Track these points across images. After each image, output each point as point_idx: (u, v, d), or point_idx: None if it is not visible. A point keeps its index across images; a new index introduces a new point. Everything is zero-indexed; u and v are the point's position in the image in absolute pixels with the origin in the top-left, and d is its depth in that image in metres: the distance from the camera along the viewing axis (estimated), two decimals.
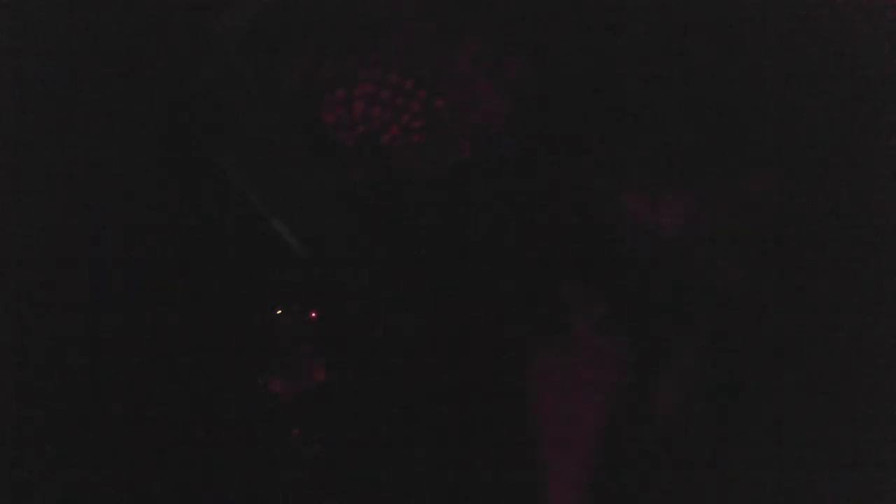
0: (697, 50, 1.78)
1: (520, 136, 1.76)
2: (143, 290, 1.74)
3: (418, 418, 1.72)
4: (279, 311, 1.72)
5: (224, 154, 1.74)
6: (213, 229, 1.76)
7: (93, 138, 1.76)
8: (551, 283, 1.76)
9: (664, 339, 1.76)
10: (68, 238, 1.74)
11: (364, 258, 1.74)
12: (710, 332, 1.75)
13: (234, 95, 1.74)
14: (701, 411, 1.74)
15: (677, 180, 1.78)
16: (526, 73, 1.75)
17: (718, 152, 1.78)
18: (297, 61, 1.74)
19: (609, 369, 1.76)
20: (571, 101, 1.77)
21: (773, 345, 1.74)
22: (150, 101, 1.77)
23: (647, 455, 1.74)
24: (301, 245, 1.72)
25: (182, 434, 1.70)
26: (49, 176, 1.75)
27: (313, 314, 1.71)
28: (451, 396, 1.72)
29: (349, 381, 1.73)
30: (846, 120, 1.75)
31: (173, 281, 1.74)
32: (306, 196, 1.76)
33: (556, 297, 1.76)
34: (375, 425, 1.72)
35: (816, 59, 1.76)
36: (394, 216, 1.74)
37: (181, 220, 1.75)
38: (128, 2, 1.77)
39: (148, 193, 1.76)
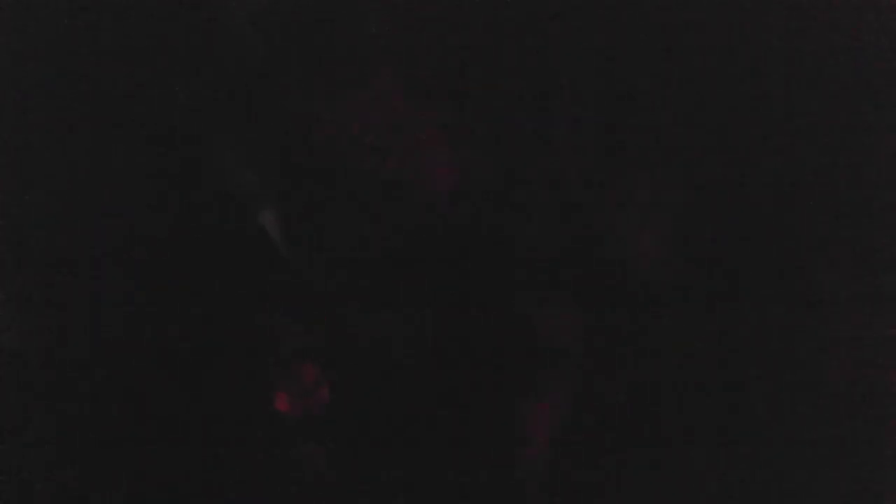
0: (695, 50, 1.78)
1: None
2: (143, 291, 1.74)
3: (425, 431, 1.72)
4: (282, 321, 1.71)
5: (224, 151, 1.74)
6: (213, 231, 1.76)
7: (93, 138, 1.76)
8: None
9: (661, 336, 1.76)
10: (68, 238, 1.74)
11: (361, 261, 1.73)
12: (706, 329, 1.75)
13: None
14: (698, 409, 1.74)
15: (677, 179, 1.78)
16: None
17: (718, 151, 1.78)
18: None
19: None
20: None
21: (771, 343, 1.74)
22: (151, 101, 1.77)
23: (645, 454, 1.74)
24: (287, 246, 1.72)
25: (182, 446, 1.70)
26: (49, 176, 1.75)
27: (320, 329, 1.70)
28: (456, 407, 1.72)
29: (357, 398, 1.72)
30: (846, 120, 1.75)
31: (172, 284, 1.74)
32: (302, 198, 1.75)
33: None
34: (383, 441, 1.72)
35: (816, 58, 1.76)
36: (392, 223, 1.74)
37: (180, 221, 1.75)
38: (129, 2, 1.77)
39: (147, 194, 1.76)
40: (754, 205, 1.76)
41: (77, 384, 1.71)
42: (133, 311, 1.73)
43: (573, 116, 1.77)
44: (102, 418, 1.71)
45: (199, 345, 1.73)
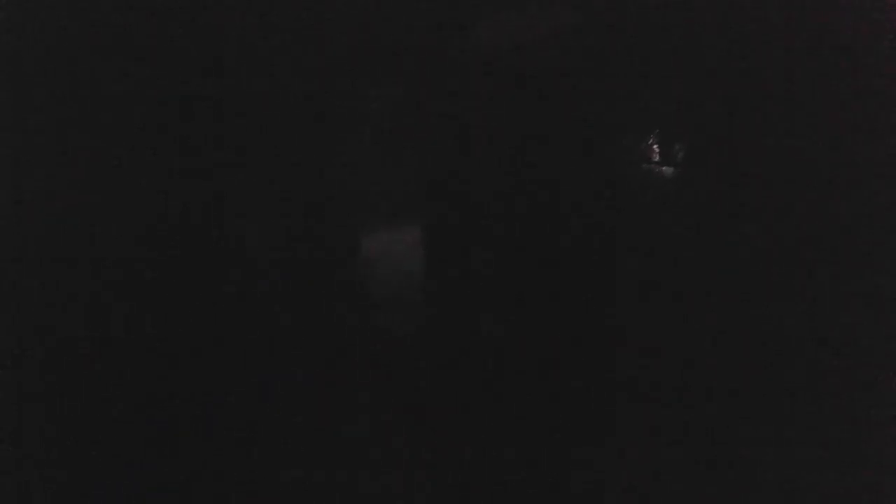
0: (696, 49, 1.78)
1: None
2: (143, 292, 1.74)
3: None
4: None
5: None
6: (213, 231, 1.76)
7: (93, 138, 1.76)
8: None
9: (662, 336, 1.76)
10: (69, 238, 1.74)
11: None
12: (707, 330, 1.75)
13: None
14: (697, 409, 1.74)
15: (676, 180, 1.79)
16: None
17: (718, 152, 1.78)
18: None
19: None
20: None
21: (770, 343, 1.74)
22: (152, 99, 1.77)
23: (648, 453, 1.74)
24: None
25: (182, 447, 1.70)
26: (49, 176, 1.75)
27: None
28: None
29: None
30: (846, 120, 1.75)
31: (172, 284, 1.74)
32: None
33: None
34: None
35: (816, 57, 1.76)
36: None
37: (180, 221, 1.75)
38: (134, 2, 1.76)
39: (147, 194, 1.76)
40: (754, 205, 1.76)
41: (76, 385, 1.72)
42: (133, 312, 1.73)
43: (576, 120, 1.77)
44: (102, 419, 1.72)
45: (199, 346, 1.73)
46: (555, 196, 1.77)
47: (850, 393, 1.71)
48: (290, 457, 1.74)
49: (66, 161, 1.74)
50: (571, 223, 1.77)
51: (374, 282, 1.79)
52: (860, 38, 1.73)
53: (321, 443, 1.75)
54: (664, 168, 1.79)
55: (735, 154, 1.77)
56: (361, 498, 1.74)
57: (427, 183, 1.79)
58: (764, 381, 1.73)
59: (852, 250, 1.72)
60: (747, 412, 1.73)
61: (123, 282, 1.74)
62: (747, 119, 1.77)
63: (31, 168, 1.74)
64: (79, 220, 1.73)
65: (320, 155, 1.79)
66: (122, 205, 1.74)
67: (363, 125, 1.81)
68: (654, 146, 1.79)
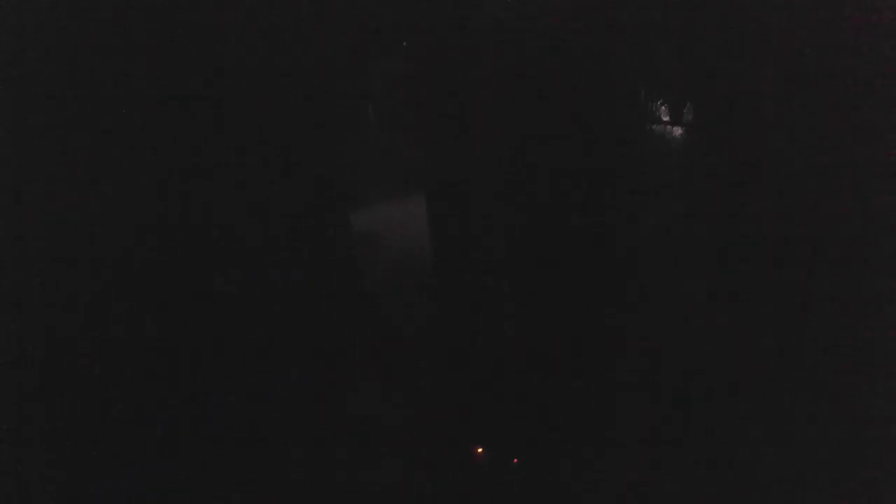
0: (697, 50, 1.78)
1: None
2: (143, 292, 1.74)
3: None
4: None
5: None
6: (213, 230, 1.76)
7: (93, 138, 1.76)
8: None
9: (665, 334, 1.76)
10: (68, 238, 1.74)
11: None
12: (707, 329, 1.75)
13: None
14: (698, 409, 1.74)
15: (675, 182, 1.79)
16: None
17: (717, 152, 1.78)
18: None
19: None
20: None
21: (770, 343, 1.74)
22: (151, 99, 1.77)
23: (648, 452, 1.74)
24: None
25: (180, 447, 1.70)
26: (49, 176, 1.75)
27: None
28: None
29: None
30: (845, 121, 1.75)
31: (172, 285, 1.74)
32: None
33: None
34: None
35: (816, 58, 1.76)
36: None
37: (180, 221, 1.75)
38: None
39: (148, 194, 1.76)
40: (754, 205, 1.76)
41: (76, 385, 1.72)
42: (133, 312, 1.73)
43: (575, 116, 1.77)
44: (102, 418, 1.72)
45: (199, 345, 1.73)
46: (555, 191, 1.77)
47: (850, 393, 1.71)
48: (290, 456, 1.74)
49: (66, 161, 1.74)
50: (573, 220, 1.78)
51: (374, 279, 1.79)
52: (860, 38, 1.73)
53: (321, 442, 1.75)
54: (664, 169, 1.79)
55: (735, 155, 1.77)
56: (362, 497, 1.74)
57: (429, 167, 1.78)
58: (764, 381, 1.73)
59: (852, 250, 1.72)
60: (747, 412, 1.73)
61: (123, 282, 1.74)
62: (746, 119, 1.76)
63: (31, 168, 1.74)
64: (79, 220, 1.73)
65: (321, 152, 1.79)
66: (122, 205, 1.74)
67: (364, 118, 1.81)
68: (655, 141, 1.79)
